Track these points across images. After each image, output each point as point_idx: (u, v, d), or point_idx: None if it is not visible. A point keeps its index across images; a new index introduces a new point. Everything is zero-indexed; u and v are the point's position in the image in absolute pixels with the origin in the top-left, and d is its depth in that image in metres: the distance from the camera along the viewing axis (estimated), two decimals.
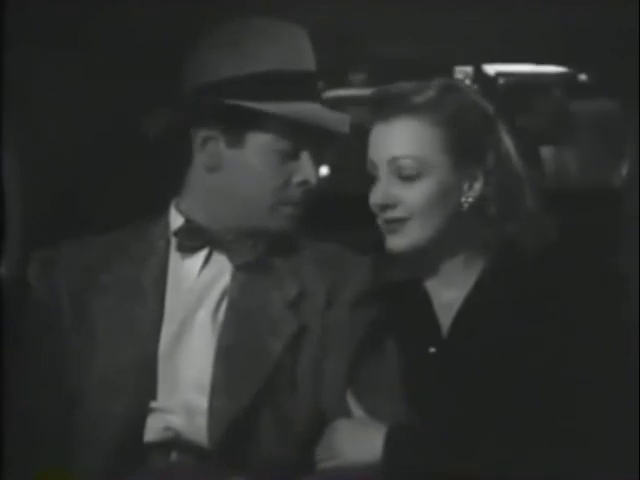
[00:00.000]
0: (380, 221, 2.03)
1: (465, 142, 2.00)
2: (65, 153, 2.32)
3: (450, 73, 3.32)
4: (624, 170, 3.21)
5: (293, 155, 1.92)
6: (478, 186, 2.01)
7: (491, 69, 4.10)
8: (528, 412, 1.92)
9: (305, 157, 1.93)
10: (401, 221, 2.00)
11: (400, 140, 2.00)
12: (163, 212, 2.00)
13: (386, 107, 2.02)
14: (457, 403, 1.95)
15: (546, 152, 3.82)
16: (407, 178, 1.99)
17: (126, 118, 2.04)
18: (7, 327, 1.92)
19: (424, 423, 1.91)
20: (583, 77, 3.81)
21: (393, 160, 2.00)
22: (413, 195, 1.99)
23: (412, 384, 1.95)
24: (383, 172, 2.01)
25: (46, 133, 2.28)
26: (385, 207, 2.01)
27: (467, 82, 2.26)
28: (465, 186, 2.01)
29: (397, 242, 2.01)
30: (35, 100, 2.26)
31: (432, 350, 1.99)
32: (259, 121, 1.89)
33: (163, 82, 2.01)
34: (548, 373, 1.94)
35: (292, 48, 1.92)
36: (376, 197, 2.02)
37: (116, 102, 2.33)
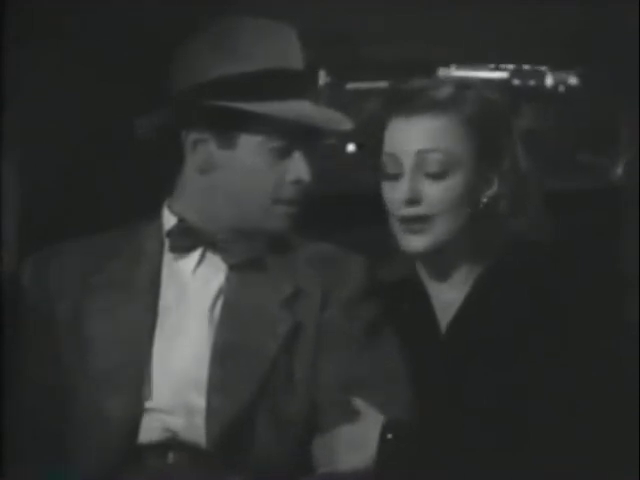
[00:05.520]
0: (397, 219, 2.00)
1: (486, 139, 1.99)
2: (62, 154, 2.33)
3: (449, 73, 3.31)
4: (624, 170, 3.21)
5: (286, 153, 1.92)
6: (495, 184, 2.01)
7: (489, 69, 4.09)
8: (527, 412, 1.92)
9: (298, 155, 1.92)
10: (423, 220, 1.98)
11: (427, 134, 1.98)
12: (157, 213, 2.00)
13: (404, 102, 2.00)
14: (454, 401, 1.95)
15: (545, 152, 3.82)
16: (434, 174, 1.97)
17: (124, 119, 2.04)
18: (7, 327, 1.93)
19: (421, 421, 1.91)
20: (583, 77, 3.81)
21: (419, 153, 1.98)
22: (439, 192, 1.97)
23: (410, 382, 1.95)
24: (408, 166, 1.98)
25: (44, 133, 2.28)
26: (410, 202, 1.98)
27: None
28: (484, 185, 2.01)
29: (418, 242, 1.99)
30: (35, 100, 2.26)
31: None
32: (250, 121, 1.88)
33: (162, 83, 2.01)
34: (547, 373, 1.94)
35: (281, 47, 1.91)
36: (401, 192, 1.98)
37: (115, 103, 2.34)
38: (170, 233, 1.95)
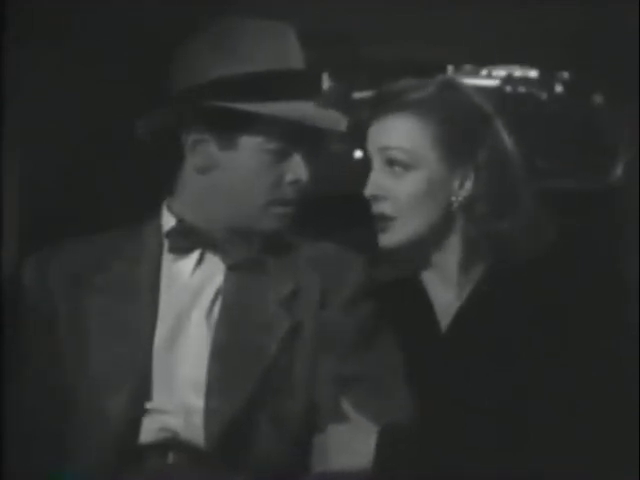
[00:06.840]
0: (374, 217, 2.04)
1: (458, 140, 2.01)
2: (62, 154, 2.33)
3: (447, 72, 3.31)
4: (623, 170, 3.21)
5: (285, 154, 1.92)
6: (469, 185, 2.01)
7: (490, 69, 4.10)
8: (527, 412, 1.92)
9: (297, 156, 1.93)
10: (389, 219, 2.01)
11: (391, 131, 2.02)
12: (156, 213, 2.00)
13: (385, 104, 2.03)
14: (454, 401, 1.95)
15: (545, 152, 3.82)
16: (397, 170, 2.00)
17: (124, 119, 2.04)
18: (7, 327, 1.93)
19: (420, 422, 1.91)
20: (582, 77, 3.82)
21: (383, 150, 2.02)
22: (402, 189, 2.00)
23: (409, 382, 1.95)
24: (376, 162, 2.03)
25: (44, 133, 2.29)
26: (375, 199, 2.02)
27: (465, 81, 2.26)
28: (456, 184, 2.01)
29: (387, 239, 2.02)
30: (35, 100, 2.26)
31: None
32: (250, 122, 1.89)
33: (162, 83, 2.01)
34: (547, 373, 1.94)
35: (280, 47, 1.91)
36: (368, 188, 2.03)
37: (115, 103, 2.34)
38: (169, 234, 1.96)
